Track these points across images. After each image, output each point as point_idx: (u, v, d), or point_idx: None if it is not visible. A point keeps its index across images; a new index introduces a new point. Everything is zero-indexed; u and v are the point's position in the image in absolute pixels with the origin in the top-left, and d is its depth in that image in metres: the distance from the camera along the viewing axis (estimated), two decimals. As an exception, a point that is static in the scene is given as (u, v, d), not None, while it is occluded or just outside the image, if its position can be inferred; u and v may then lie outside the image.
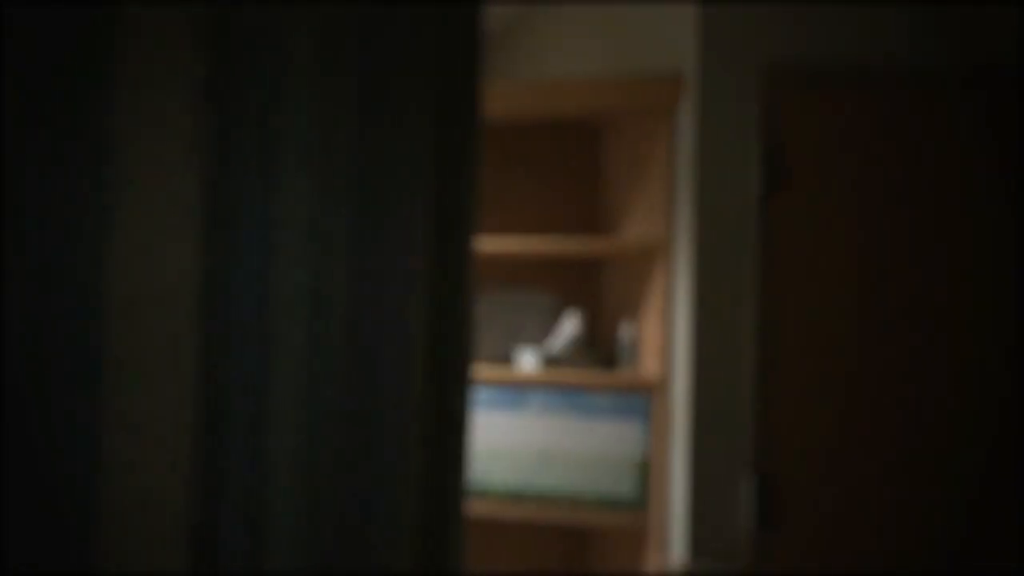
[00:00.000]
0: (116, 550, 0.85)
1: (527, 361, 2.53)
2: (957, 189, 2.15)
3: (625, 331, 2.55)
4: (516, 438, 2.48)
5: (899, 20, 2.17)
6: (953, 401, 2.14)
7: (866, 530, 2.15)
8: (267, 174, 1.00)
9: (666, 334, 2.38)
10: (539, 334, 2.77)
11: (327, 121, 1.07)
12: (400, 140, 1.19)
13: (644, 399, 2.41)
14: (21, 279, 0.83)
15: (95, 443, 0.82)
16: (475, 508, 2.50)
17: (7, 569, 0.80)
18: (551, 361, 2.54)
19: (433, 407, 1.19)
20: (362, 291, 1.07)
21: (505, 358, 2.75)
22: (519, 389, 2.49)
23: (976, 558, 2.12)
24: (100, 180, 0.88)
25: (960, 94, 2.16)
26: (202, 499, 0.88)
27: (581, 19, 2.65)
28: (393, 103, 1.18)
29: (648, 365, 2.48)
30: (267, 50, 1.02)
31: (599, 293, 2.82)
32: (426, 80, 1.21)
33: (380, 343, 1.09)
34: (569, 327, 2.58)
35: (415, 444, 1.13)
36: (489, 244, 2.51)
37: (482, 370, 2.49)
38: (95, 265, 0.84)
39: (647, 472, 2.39)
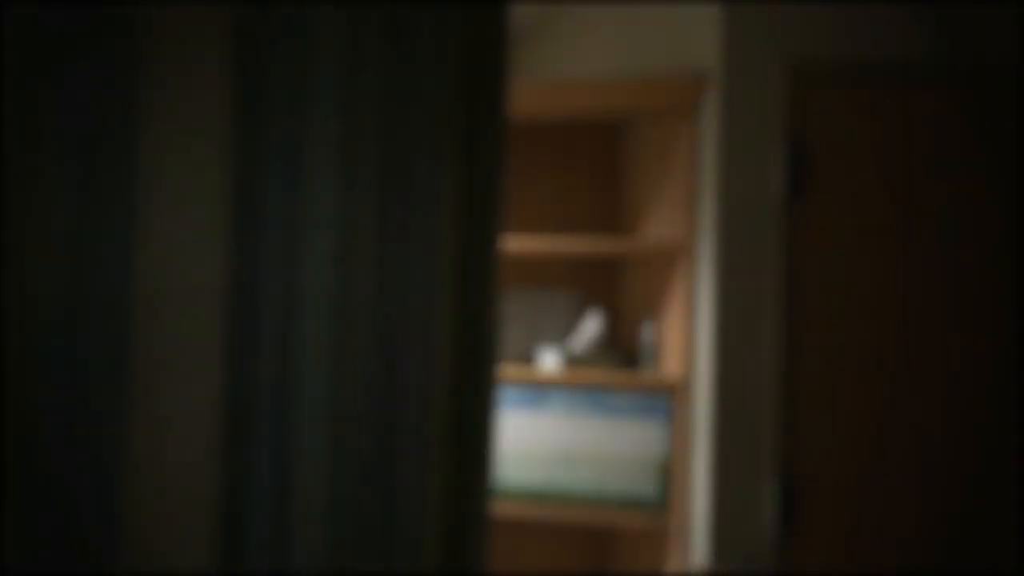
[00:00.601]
0: (143, 549, 0.86)
1: (549, 361, 2.53)
2: (986, 189, 2.13)
3: (647, 331, 2.54)
4: (538, 438, 2.48)
5: (925, 17, 2.15)
6: (982, 405, 2.11)
7: (891, 535, 2.13)
8: (294, 175, 1.00)
9: (689, 334, 2.37)
10: (561, 333, 2.76)
11: (353, 122, 1.07)
12: (426, 141, 1.19)
13: (666, 399, 2.40)
14: (51, 280, 0.83)
15: (124, 442, 0.82)
16: (497, 508, 2.50)
17: (35, 567, 0.81)
18: (573, 361, 2.53)
19: (458, 408, 1.18)
20: (388, 292, 1.07)
21: (527, 357, 2.74)
22: (541, 389, 2.48)
23: (1003, 564, 2.09)
24: (129, 182, 0.88)
25: (988, 92, 2.13)
26: (228, 499, 0.88)
27: (603, 18, 2.64)
28: (419, 104, 1.18)
29: (670, 365, 2.46)
30: (294, 52, 1.02)
31: (621, 292, 2.81)
32: (452, 80, 1.21)
33: (406, 344, 1.08)
34: (591, 327, 2.57)
35: (440, 445, 1.13)
36: (511, 243, 2.50)
37: (504, 369, 2.49)
38: (124, 266, 0.85)
39: (669, 473, 2.38)
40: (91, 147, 0.87)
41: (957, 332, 2.12)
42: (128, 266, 0.87)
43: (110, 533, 0.83)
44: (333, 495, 0.97)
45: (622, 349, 2.75)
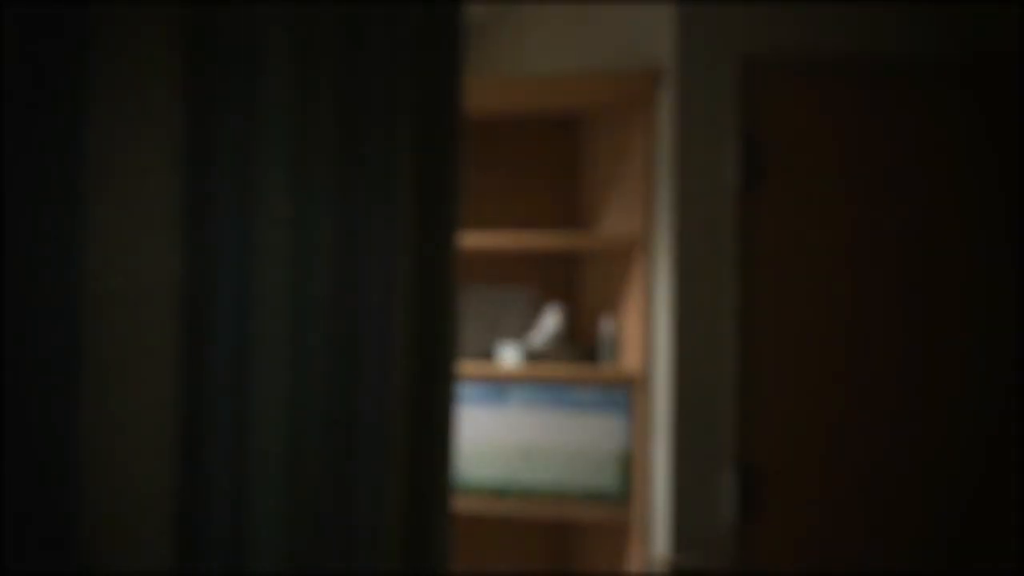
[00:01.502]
0: (101, 548, 0.84)
1: (508, 356, 2.53)
2: (944, 179, 2.17)
3: (606, 325, 2.55)
4: (498, 434, 2.47)
5: (879, 8, 2.18)
6: (940, 392, 2.15)
7: (851, 522, 2.16)
8: (247, 173, 0.98)
9: (647, 327, 2.38)
10: (520, 329, 2.76)
11: (307, 119, 1.06)
12: (381, 138, 1.18)
13: (626, 393, 2.41)
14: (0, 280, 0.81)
15: (77, 442, 0.80)
16: (458, 505, 2.49)
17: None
18: (532, 356, 2.53)
19: (418, 405, 1.18)
20: (345, 289, 1.05)
21: (486, 353, 2.74)
22: (500, 384, 2.48)
23: (965, 555, 2.14)
24: (78, 181, 0.86)
25: (943, 82, 2.17)
26: (185, 498, 0.86)
27: (557, 14, 2.64)
28: (373, 101, 1.17)
29: (629, 359, 2.48)
30: (245, 50, 1.01)
31: (579, 287, 2.81)
32: (407, 77, 1.20)
33: (364, 341, 1.07)
34: (550, 322, 2.57)
35: (400, 443, 1.12)
36: (469, 240, 2.49)
37: (463, 366, 2.48)
38: (72, 265, 0.83)
39: (630, 466, 2.40)
40: (40, 149, 0.85)
41: (915, 317, 2.16)
42: (77, 265, 0.85)
43: (65, 534, 0.81)
44: (290, 495, 0.96)
45: (581, 344, 2.75)
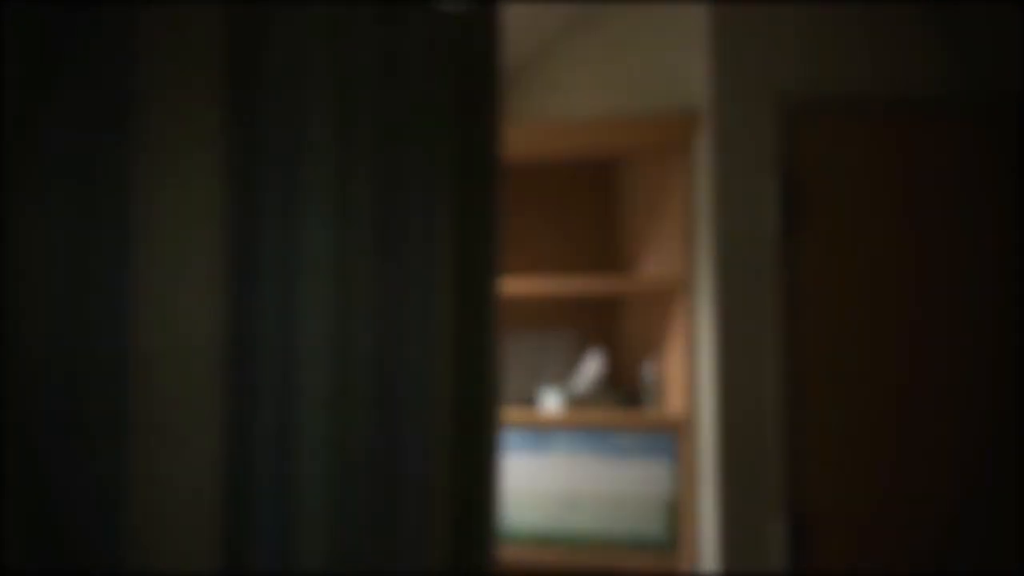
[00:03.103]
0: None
1: (551, 402, 2.51)
2: (989, 219, 2.13)
3: (648, 369, 2.53)
4: (542, 481, 2.45)
5: (918, 49, 2.17)
6: (992, 431, 2.10)
7: (903, 567, 2.10)
8: (290, 224, 0.99)
9: (690, 371, 2.35)
10: (561, 374, 2.74)
11: (348, 168, 1.07)
12: (420, 184, 1.18)
13: (670, 438, 2.38)
14: (44, 335, 0.82)
15: (124, 505, 0.81)
16: (502, 553, 2.46)
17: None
18: (575, 401, 2.51)
19: (460, 455, 1.17)
20: (386, 340, 1.06)
21: (528, 399, 2.73)
22: (543, 431, 2.46)
23: (1019, 594, 2.06)
24: (122, 234, 0.88)
25: (982, 122, 2.14)
26: (231, 559, 0.86)
27: (594, 58, 2.66)
28: (413, 147, 1.18)
29: (673, 403, 2.45)
30: (288, 100, 1.02)
31: (620, 331, 2.80)
32: (446, 123, 1.21)
33: (406, 392, 1.07)
34: (592, 366, 2.56)
35: (443, 494, 1.11)
36: (509, 286, 2.50)
37: (506, 412, 2.47)
38: (120, 322, 0.84)
39: (676, 513, 2.35)
40: (83, 200, 0.87)
41: (961, 359, 2.11)
42: (124, 322, 0.86)
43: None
44: (335, 549, 0.95)
45: (624, 388, 2.73)
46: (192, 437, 0.83)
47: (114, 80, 0.87)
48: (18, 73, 0.82)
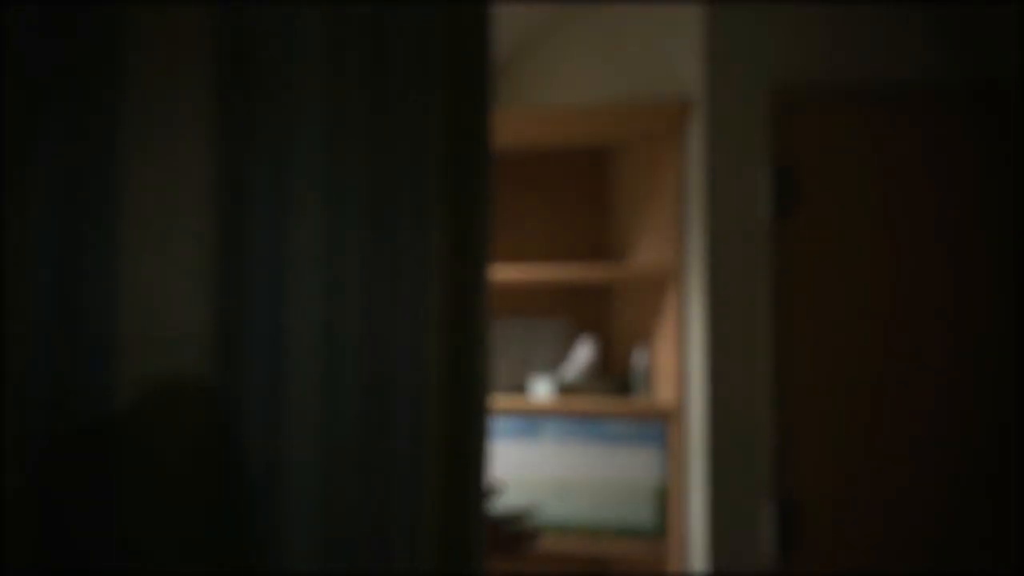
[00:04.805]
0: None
1: (541, 389, 2.51)
2: (979, 205, 2.14)
3: (639, 357, 2.53)
4: (532, 468, 2.45)
5: (907, 37, 2.17)
6: (978, 419, 2.11)
7: (890, 554, 2.11)
8: (279, 210, 0.99)
9: (681, 358, 2.36)
10: (552, 361, 2.75)
11: (338, 155, 1.07)
12: (410, 169, 1.18)
13: (660, 425, 2.38)
14: (30, 323, 0.82)
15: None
16: (492, 540, 2.47)
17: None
18: (565, 389, 2.52)
19: (451, 442, 1.17)
20: (377, 326, 1.05)
21: (519, 386, 2.73)
22: (534, 418, 2.47)
23: (1004, 581, 2.08)
24: (109, 220, 0.87)
25: (972, 109, 2.15)
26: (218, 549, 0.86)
27: (587, 45, 2.65)
28: (403, 133, 1.18)
29: (663, 391, 2.45)
30: (278, 86, 1.02)
31: (611, 319, 2.80)
32: (437, 109, 1.21)
33: (396, 379, 1.07)
34: (582, 354, 2.56)
35: (433, 482, 1.11)
36: (501, 273, 2.50)
37: (497, 399, 2.47)
38: (107, 308, 0.83)
39: (665, 500, 2.36)
40: (68, 183, 0.86)
41: (950, 347, 2.12)
42: (113, 310, 0.86)
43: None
44: (325, 536, 0.95)
45: (614, 376, 2.73)
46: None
47: (101, 65, 0.87)
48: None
